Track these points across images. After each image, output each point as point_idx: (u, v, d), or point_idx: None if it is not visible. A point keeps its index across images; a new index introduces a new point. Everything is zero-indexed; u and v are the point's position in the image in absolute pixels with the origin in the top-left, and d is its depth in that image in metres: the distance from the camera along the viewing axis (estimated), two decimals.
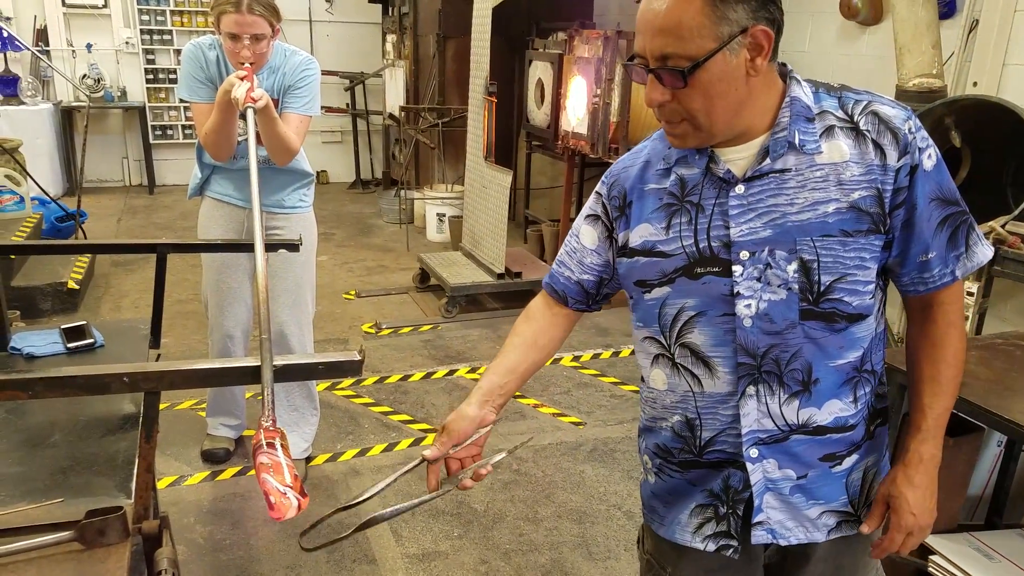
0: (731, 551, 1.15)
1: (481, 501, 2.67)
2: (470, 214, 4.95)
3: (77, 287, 4.32)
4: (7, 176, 4.94)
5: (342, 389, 3.49)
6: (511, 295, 4.58)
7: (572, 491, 2.75)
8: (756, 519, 1.12)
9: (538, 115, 5.04)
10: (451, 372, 3.71)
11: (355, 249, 5.83)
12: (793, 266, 1.04)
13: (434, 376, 3.66)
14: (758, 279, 1.05)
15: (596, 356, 3.95)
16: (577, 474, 2.86)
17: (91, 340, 2.01)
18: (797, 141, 1.04)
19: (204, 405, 2.98)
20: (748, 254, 1.05)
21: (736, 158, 1.07)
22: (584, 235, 1.24)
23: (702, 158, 1.09)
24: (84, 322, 2.08)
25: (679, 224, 1.10)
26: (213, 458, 2.83)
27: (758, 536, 1.13)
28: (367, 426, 3.18)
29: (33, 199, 5.27)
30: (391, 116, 7.11)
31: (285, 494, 1.05)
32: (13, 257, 4.18)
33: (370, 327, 4.24)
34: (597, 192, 1.23)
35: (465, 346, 4.03)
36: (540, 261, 5.11)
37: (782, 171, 1.04)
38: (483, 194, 4.69)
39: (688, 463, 1.17)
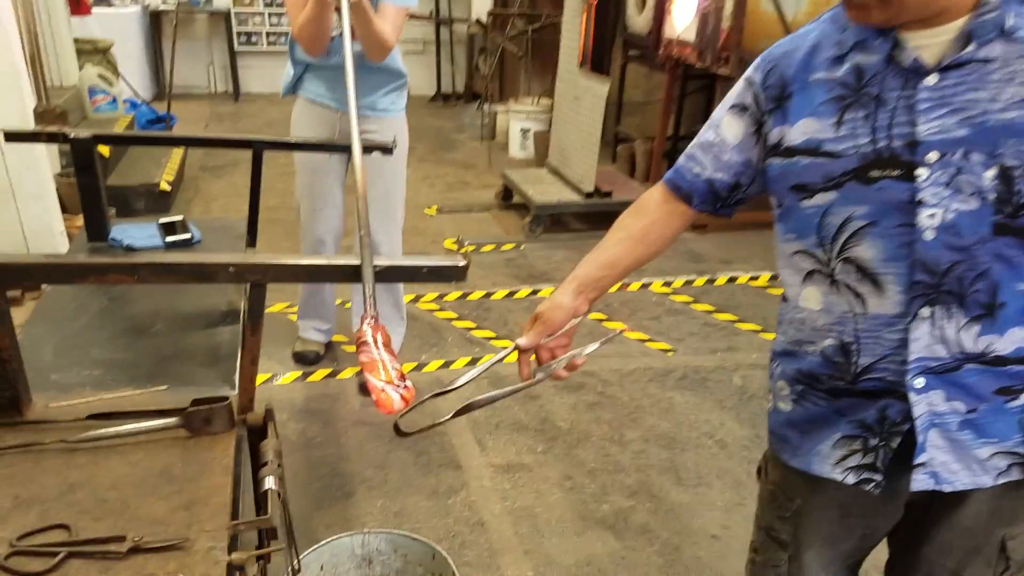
0: (872, 485, 1.04)
1: (565, 420, 2.62)
2: (559, 128, 4.74)
3: (169, 188, 4.40)
4: (100, 76, 5.01)
5: (426, 303, 3.46)
6: (599, 216, 4.40)
7: (660, 417, 2.66)
8: (919, 459, 0.99)
9: (638, 21, 4.72)
10: (534, 292, 3.63)
11: (435, 164, 5.74)
12: (991, 172, 0.88)
13: (516, 296, 3.59)
14: (946, 185, 0.90)
15: (688, 283, 3.78)
16: (666, 400, 2.76)
17: (188, 235, 2.01)
18: (1008, 25, 0.85)
19: (295, 309, 3.01)
20: (937, 155, 0.89)
21: (927, 43, 0.90)
22: (726, 127, 1.09)
23: (885, 43, 0.92)
24: (181, 216, 2.07)
25: (853, 120, 0.94)
26: (304, 360, 2.86)
27: (919, 481, 1.00)
28: (451, 340, 3.15)
29: (125, 101, 5.37)
30: (477, 22, 6.86)
31: (384, 390, 1.02)
32: (107, 156, 4.27)
33: (452, 243, 4.19)
34: (747, 79, 1.07)
35: (549, 267, 3.93)
36: (632, 180, 4.90)
37: (985, 61, 0.87)
38: (575, 106, 4.47)
39: (838, 391, 1.04)
